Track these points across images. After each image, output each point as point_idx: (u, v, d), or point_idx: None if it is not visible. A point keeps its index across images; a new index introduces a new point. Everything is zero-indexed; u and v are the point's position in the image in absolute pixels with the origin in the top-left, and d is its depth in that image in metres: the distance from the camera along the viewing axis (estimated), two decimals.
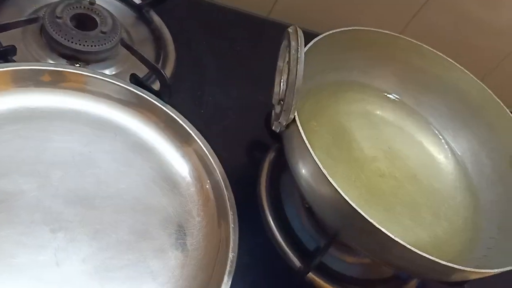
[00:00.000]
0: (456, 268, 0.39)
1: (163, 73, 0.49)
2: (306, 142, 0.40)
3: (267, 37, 0.74)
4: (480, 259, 0.47)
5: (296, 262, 0.49)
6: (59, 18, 0.51)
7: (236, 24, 0.72)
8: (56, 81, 0.47)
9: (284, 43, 0.41)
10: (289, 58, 0.38)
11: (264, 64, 0.67)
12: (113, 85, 0.48)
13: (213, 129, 0.56)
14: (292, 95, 0.38)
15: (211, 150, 0.49)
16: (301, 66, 0.37)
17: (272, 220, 0.51)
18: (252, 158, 0.58)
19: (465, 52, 0.81)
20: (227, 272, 0.42)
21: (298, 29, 0.39)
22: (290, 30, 0.39)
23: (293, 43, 0.38)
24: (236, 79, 0.65)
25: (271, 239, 0.50)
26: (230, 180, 0.48)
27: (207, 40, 0.67)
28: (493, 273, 0.41)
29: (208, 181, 0.48)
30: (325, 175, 0.39)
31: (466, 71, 0.55)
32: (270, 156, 0.56)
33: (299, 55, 0.37)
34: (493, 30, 0.79)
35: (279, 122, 0.41)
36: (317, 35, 0.47)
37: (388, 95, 0.58)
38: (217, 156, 0.49)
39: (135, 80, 0.51)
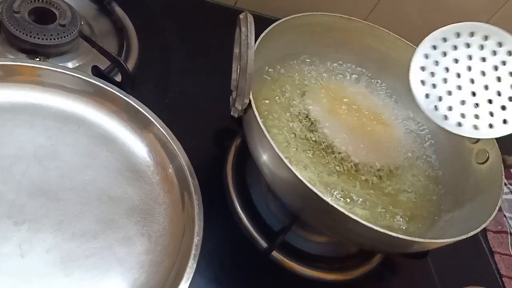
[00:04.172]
0: (410, 240, 0.40)
1: (123, 64, 0.50)
2: (262, 126, 0.41)
3: (234, 26, 0.74)
4: (437, 232, 0.49)
5: (262, 243, 0.50)
6: (17, 12, 0.51)
7: (202, 14, 0.72)
8: (13, 76, 0.47)
9: (237, 29, 0.42)
10: (240, 44, 0.39)
11: (231, 53, 0.68)
12: (73, 77, 0.49)
13: (179, 117, 0.57)
14: (245, 80, 0.39)
15: (172, 135, 0.49)
16: (251, 51, 0.38)
17: (238, 203, 0.52)
18: (219, 145, 0.59)
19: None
20: (192, 256, 0.43)
21: (248, 15, 0.40)
22: (241, 16, 0.40)
23: (243, 29, 0.39)
24: (203, 68, 0.65)
25: (237, 222, 0.51)
26: (197, 166, 0.49)
27: (172, 30, 0.67)
28: (446, 243, 0.42)
29: (171, 165, 0.49)
30: (282, 158, 0.40)
31: None
32: (237, 142, 0.57)
33: (249, 41, 0.38)
34: (459, 13, 0.81)
35: (236, 107, 0.42)
36: None
37: (349, 78, 0.59)
38: (184, 144, 0.50)
39: (96, 72, 0.51)
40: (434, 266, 0.60)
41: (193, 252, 0.43)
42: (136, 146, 0.50)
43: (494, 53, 0.43)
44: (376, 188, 0.49)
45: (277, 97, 0.53)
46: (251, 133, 0.45)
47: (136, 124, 0.50)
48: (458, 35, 0.44)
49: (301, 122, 0.52)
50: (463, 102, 0.43)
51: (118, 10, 0.62)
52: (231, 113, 0.45)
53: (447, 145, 0.55)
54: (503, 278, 0.66)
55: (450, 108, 0.44)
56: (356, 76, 0.59)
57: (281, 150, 0.46)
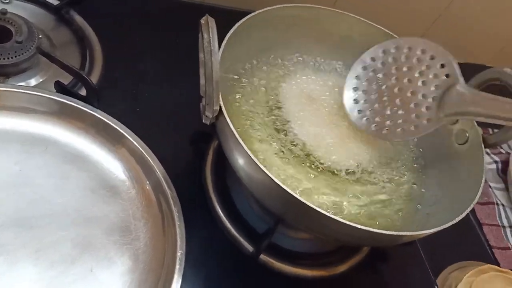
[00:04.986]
0: (398, 235, 0.40)
1: (86, 77, 0.48)
2: (235, 132, 0.39)
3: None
4: (424, 218, 0.49)
5: (248, 247, 0.49)
6: None
7: (170, 14, 0.69)
8: None
9: (200, 35, 0.40)
10: (203, 51, 0.37)
11: None
12: (35, 96, 0.47)
13: (152, 126, 0.55)
14: (212, 88, 0.37)
15: (148, 149, 0.48)
16: (215, 58, 0.36)
17: (220, 208, 0.51)
18: (196, 149, 0.57)
19: (401, 15, 0.81)
20: (176, 271, 0.42)
21: (209, 19, 0.38)
22: (202, 21, 0.38)
23: (205, 35, 0.37)
24: (173, 72, 0.63)
25: (221, 228, 0.50)
26: (174, 175, 0.47)
27: (139, 34, 0.64)
28: (434, 232, 0.42)
29: (148, 181, 0.47)
30: (258, 164, 0.39)
31: (391, 33, 0.55)
32: (214, 144, 0.56)
33: (212, 48, 0.36)
34: None
35: (207, 115, 0.41)
36: None
37: (322, 70, 0.58)
38: (158, 153, 0.48)
39: (59, 87, 0.49)
40: (422, 248, 0.60)
41: (177, 266, 0.42)
42: (109, 162, 0.48)
43: (419, 60, 0.48)
44: (359, 180, 0.49)
45: (249, 96, 0.52)
46: (225, 138, 0.43)
47: (107, 138, 0.48)
48: (384, 52, 0.49)
49: (274, 123, 0.50)
50: (392, 111, 0.48)
51: (78, 18, 0.59)
52: (203, 120, 0.43)
53: None
54: (493, 249, 0.66)
55: (380, 118, 0.48)
56: (329, 68, 0.57)
57: (257, 155, 0.45)
